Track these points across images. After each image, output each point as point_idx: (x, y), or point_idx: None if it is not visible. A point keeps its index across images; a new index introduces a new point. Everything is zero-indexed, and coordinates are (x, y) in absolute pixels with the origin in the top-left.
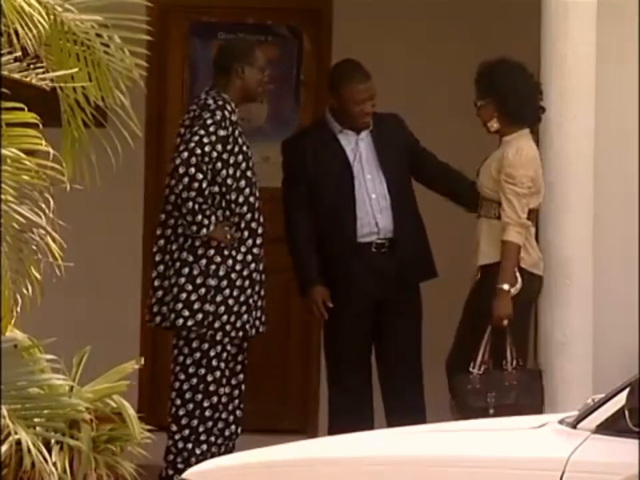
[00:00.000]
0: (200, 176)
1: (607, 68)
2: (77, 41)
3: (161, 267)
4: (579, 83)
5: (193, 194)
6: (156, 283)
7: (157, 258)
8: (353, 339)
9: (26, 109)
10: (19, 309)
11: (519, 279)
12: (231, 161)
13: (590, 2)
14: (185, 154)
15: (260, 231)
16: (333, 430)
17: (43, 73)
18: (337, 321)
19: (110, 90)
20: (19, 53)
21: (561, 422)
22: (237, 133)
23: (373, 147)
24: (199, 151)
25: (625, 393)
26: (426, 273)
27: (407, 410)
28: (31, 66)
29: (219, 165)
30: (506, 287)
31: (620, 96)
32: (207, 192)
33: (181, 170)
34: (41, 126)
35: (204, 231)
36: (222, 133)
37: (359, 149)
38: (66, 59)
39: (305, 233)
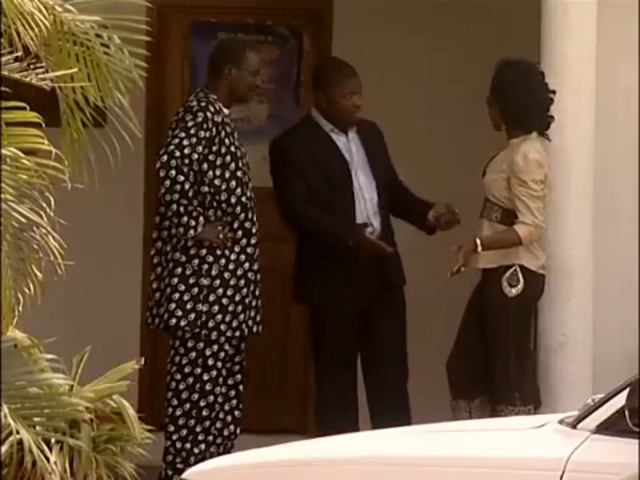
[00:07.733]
0: (181, 178)
1: (606, 68)
2: (76, 42)
3: (159, 270)
4: (578, 82)
5: (176, 196)
6: (154, 286)
7: (155, 260)
8: (343, 337)
9: (28, 107)
10: (20, 309)
11: (521, 280)
12: (218, 162)
13: (590, 2)
14: (165, 157)
15: (254, 230)
16: (321, 426)
17: (43, 73)
18: (329, 320)
19: (109, 90)
20: (20, 53)
21: (561, 422)
22: (223, 133)
23: (363, 149)
24: (178, 154)
25: (625, 393)
26: (402, 277)
27: (390, 411)
28: (31, 66)
29: (205, 166)
30: (478, 242)
31: (620, 95)
32: (190, 193)
33: (162, 173)
34: (43, 125)
35: (191, 232)
36: (203, 134)
37: (351, 149)
38: (66, 59)
39: (321, 214)
